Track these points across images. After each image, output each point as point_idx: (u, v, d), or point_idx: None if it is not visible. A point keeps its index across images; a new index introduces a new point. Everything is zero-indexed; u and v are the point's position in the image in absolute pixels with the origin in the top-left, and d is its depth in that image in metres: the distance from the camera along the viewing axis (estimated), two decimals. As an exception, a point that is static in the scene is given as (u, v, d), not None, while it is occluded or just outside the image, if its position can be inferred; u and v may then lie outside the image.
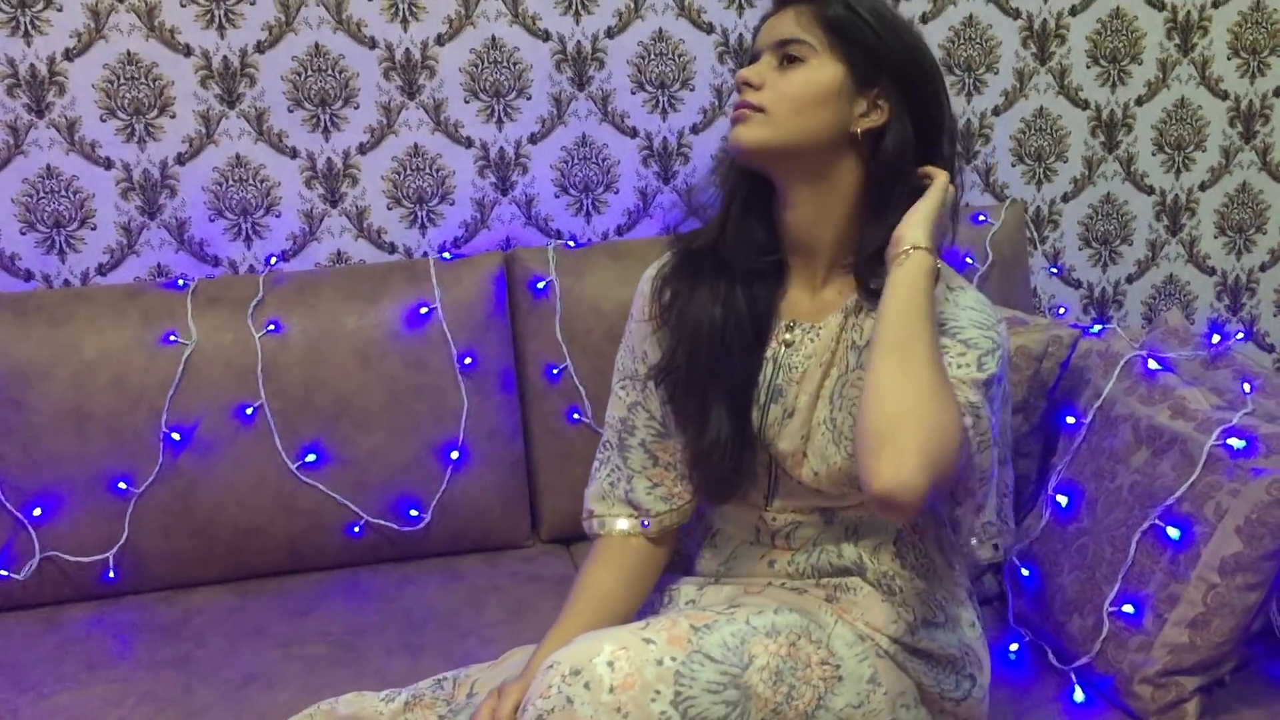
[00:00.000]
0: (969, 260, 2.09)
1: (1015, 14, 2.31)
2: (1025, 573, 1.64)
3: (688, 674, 1.23)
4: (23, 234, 2.05)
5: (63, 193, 2.06)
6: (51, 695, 1.61)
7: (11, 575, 1.82)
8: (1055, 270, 2.42)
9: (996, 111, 2.35)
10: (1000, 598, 1.73)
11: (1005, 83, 2.34)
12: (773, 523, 1.44)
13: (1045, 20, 2.33)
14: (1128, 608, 1.47)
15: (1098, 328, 1.85)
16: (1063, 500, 1.61)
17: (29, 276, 2.07)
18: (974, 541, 1.35)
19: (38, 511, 1.82)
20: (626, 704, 1.19)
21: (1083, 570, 1.54)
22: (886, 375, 1.22)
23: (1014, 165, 2.38)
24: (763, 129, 1.33)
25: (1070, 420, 1.66)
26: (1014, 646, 1.62)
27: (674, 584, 1.53)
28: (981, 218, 2.16)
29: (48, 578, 1.84)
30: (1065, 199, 2.42)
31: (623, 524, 1.48)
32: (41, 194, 2.05)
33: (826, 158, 1.36)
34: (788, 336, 1.41)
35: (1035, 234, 2.41)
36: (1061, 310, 2.37)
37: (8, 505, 1.81)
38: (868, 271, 1.36)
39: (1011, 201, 2.24)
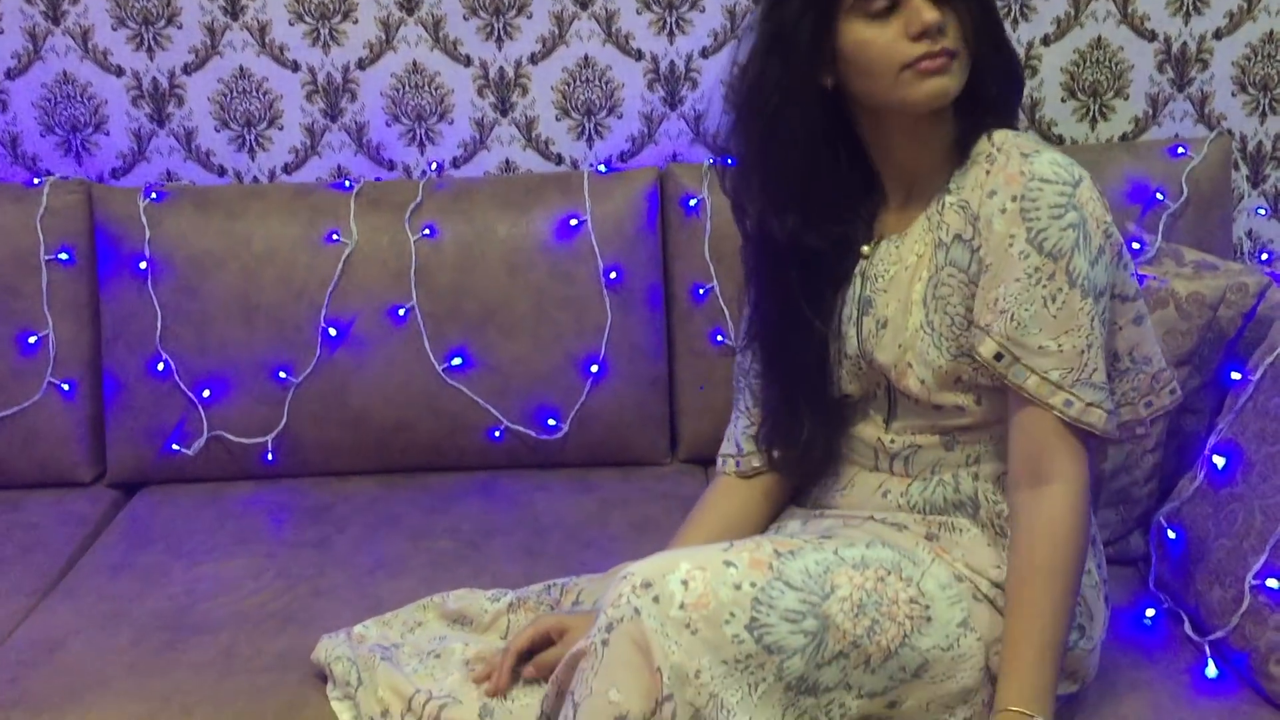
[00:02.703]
0: (1159, 196, 1.93)
1: (1246, -75, 2.08)
2: (1172, 535, 1.52)
3: (766, 600, 1.21)
4: (217, 131, 2.17)
5: (253, 93, 2.16)
6: (201, 563, 1.73)
7: (182, 450, 1.96)
8: (1266, 211, 2.19)
9: (1218, 35, 2.13)
10: (1145, 559, 1.61)
11: (1229, 2, 2.12)
12: (891, 445, 1.40)
13: (1282, -67, 2.09)
14: (1272, 582, 1.34)
15: (1296, 277, 1.67)
16: (1219, 461, 1.47)
17: (222, 172, 2.19)
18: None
19: (207, 393, 1.96)
20: (697, 622, 1.18)
21: (1230, 538, 1.41)
22: None
23: (1234, 95, 2.16)
24: (961, 73, 1.28)
25: (1236, 376, 1.52)
26: (1150, 612, 1.51)
27: (783, 515, 1.51)
28: (1180, 150, 1.98)
29: (214, 455, 1.97)
30: (1293, 133, 2.19)
31: (741, 463, 1.51)
32: (235, 94, 2.16)
33: None
34: (865, 249, 1.39)
35: (1251, 171, 2.19)
36: (1265, 256, 2.15)
37: (181, 385, 1.95)
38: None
39: (1217, 134, 2.04)
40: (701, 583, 1.20)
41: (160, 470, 1.99)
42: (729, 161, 1.44)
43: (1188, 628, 1.47)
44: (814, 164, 1.34)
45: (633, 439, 1.99)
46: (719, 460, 1.54)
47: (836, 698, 1.24)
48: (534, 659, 1.40)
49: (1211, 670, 1.39)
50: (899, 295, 1.35)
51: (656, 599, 1.19)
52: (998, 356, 1.26)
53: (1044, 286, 1.24)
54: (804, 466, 1.46)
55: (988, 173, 1.29)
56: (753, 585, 1.21)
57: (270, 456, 1.96)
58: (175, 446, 1.96)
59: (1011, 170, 1.26)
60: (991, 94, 1.33)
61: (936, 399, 1.34)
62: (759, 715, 1.19)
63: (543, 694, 1.39)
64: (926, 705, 1.28)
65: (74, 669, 1.49)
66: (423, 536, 1.79)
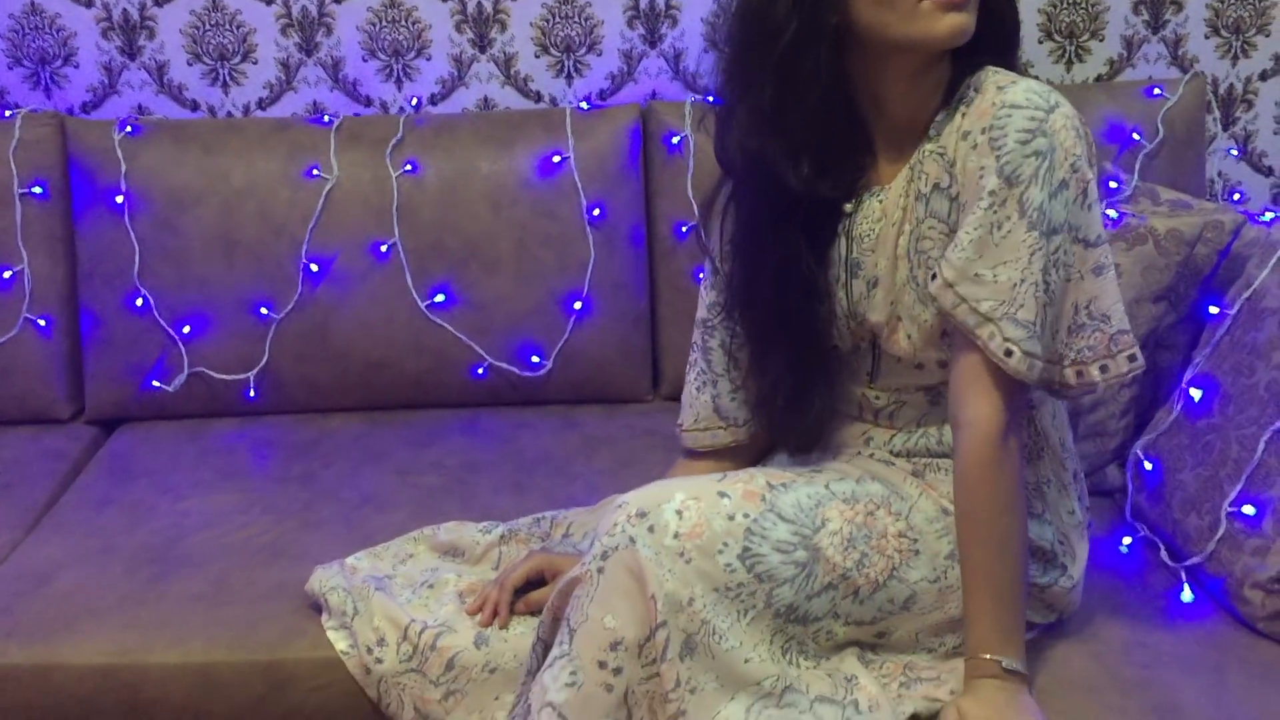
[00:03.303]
0: (1136, 136, 1.95)
1: None
2: (1148, 466, 1.56)
3: (758, 531, 1.23)
4: (189, 65, 2.14)
5: (226, 26, 2.12)
6: (187, 498, 1.73)
7: (163, 387, 1.95)
8: (1238, 153, 2.23)
9: (1193, -25, 2.15)
10: (1121, 490, 1.65)
11: (1205, -56, 2.14)
12: (875, 401, 1.39)
13: None
14: (1248, 509, 1.38)
15: (1269, 215, 1.70)
16: (1196, 394, 1.51)
17: (195, 107, 2.16)
18: (1109, 363, 1.23)
19: (187, 329, 1.94)
20: (690, 551, 1.20)
21: (1206, 468, 1.45)
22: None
23: (1207, 37, 2.18)
24: (974, 14, 1.21)
25: (1214, 310, 1.55)
26: (1127, 540, 1.55)
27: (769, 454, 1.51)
28: (1156, 91, 2.00)
29: (195, 392, 1.96)
30: (1263, 77, 2.21)
31: (713, 437, 1.46)
32: (207, 27, 2.12)
33: None
34: (848, 207, 1.33)
35: (1221, 114, 2.21)
36: (1236, 196, 2.19)
37: (161, 321, 1.94)
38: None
39: (1192, 75, 2.06)
40: (695, 513, 1.22)
41: (140, 407, 1.97)
42: (709, 99, 1.38)
43: (1164, 555, 1.51)
44: (830, 106, 1.26)
45: (615, 376, 2.00)
46: (695, 435, 1.46)
47: (825, 626, 1.27)
48: (526, 597, 1.42)
49: (1187, 595, 1.43)
50: (886, 253, 1.31)
51: (651, 528, 1.21)
52: (933, 278, 1.23)
53: (995, 212, 1.19)
54: (808, 429, 1.40)
55: (964, 115, 1.25)
56: (745, 516, 1.23)
57: (253, 393, 1.96)
58: (156, 383, 1.95)
59: (984, 105, 1.22)
60: (991, 47, 1.26)
61: (922, 356, 1.32)
62: (748, 640, 1.22)
63: (535, 623, 1.41)
64: (915, 635, 1.31)
65: (66, 600, 1.49)
66: (409, 472, 1.79)
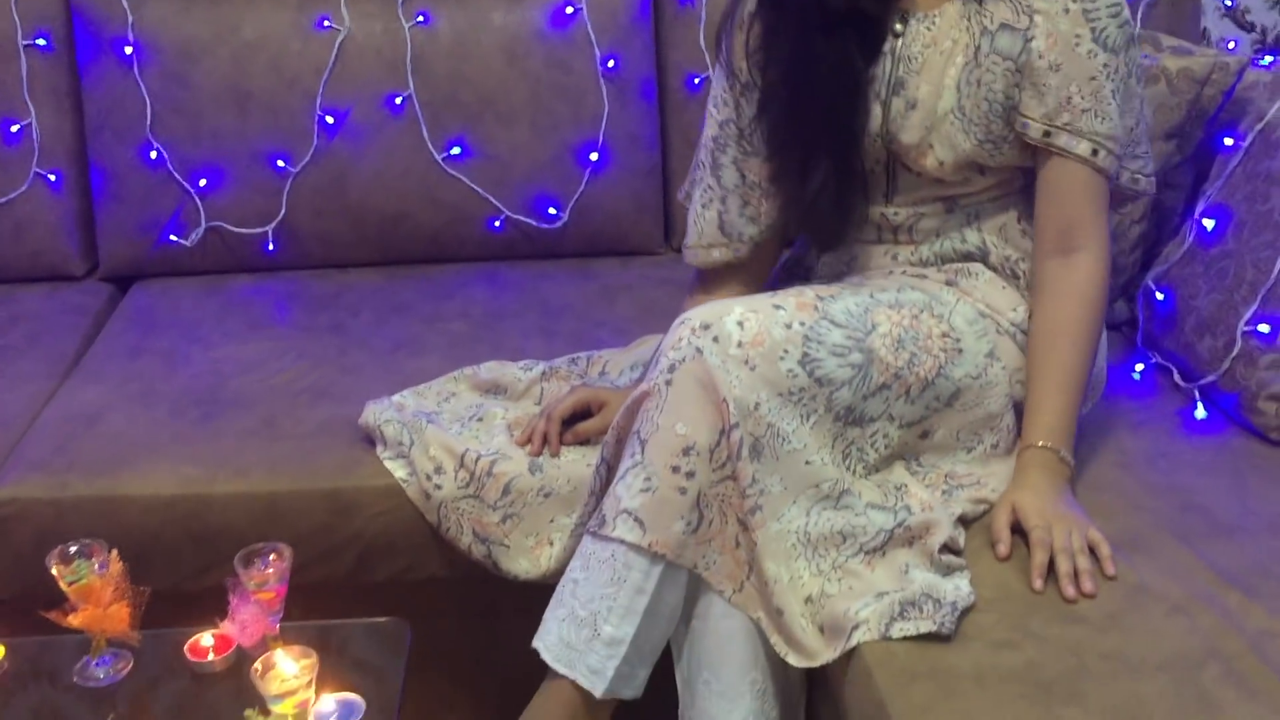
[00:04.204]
0: (1136, -15, 1.99)
1: None
2: (1160, 296, 1.63)
3: (814, 337, 1.28)
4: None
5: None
6: (219, 347, 1.74)
7: (180, 241, 1.94)
8: (1229, 5, 2.28)
9: None
10: (1130, 323, 1.73)
11: None
12: (894, 218, 1.46)
13: None
14: (1263, 327, 1.46)
15: (1269, 59, 1.76)
16: (1209, 224, 1.58)
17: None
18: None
19: (203, 182, 1.93)
20: (755, 358, 1.25)
21: (1221, 292, 1.53)
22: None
23: (1196, -112, 2.21)
24: None
25: (1228, 142, 1.61)
26: (1139, 367, 1.63)
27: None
28: (1155, -59, 2.04)
29: (212, 247, 1.96)
30: (1250, -68, 2.26)
31: (717, 254, 1.51)
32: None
33: None
34: (898, 28, 1.39)
35: (1211, -32, 2.26)
36: (1232, 45, 2.25)
37: (175, 175, 1.92)
38: None
39: (1191, -75, 2.10)
40: (755, 323, 1.27)
41: (155, 263, 1.97)
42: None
43: (1176, 377, 1.59)
44: None
45: (630, 228, 2.03)
46: (697, 252, 1.51)
47: (880, 428, 1.33)
48: (573, 428, 1.47)
49: (1200, 412, 1.51)
50: (931, 79, 1.37)
51: (716, 339, 1.26)
52: (1094, 152, 1.34)
53: (1111, 80, 1.34)
54: (848, 225, 1.46)
55: None
56: (802, 325, 1.29)
57: (271, 247, 1.95)
58: (173, 237, 1.94)
59: None
60: None
61: (948, 177, 1.40)
62: (812, 443, 1.28)
63: (582, 452, 1.46)
64: (956, 433, 1.38)
65: (118, 439, 1.51)
66: (436, 320, 1.81)
